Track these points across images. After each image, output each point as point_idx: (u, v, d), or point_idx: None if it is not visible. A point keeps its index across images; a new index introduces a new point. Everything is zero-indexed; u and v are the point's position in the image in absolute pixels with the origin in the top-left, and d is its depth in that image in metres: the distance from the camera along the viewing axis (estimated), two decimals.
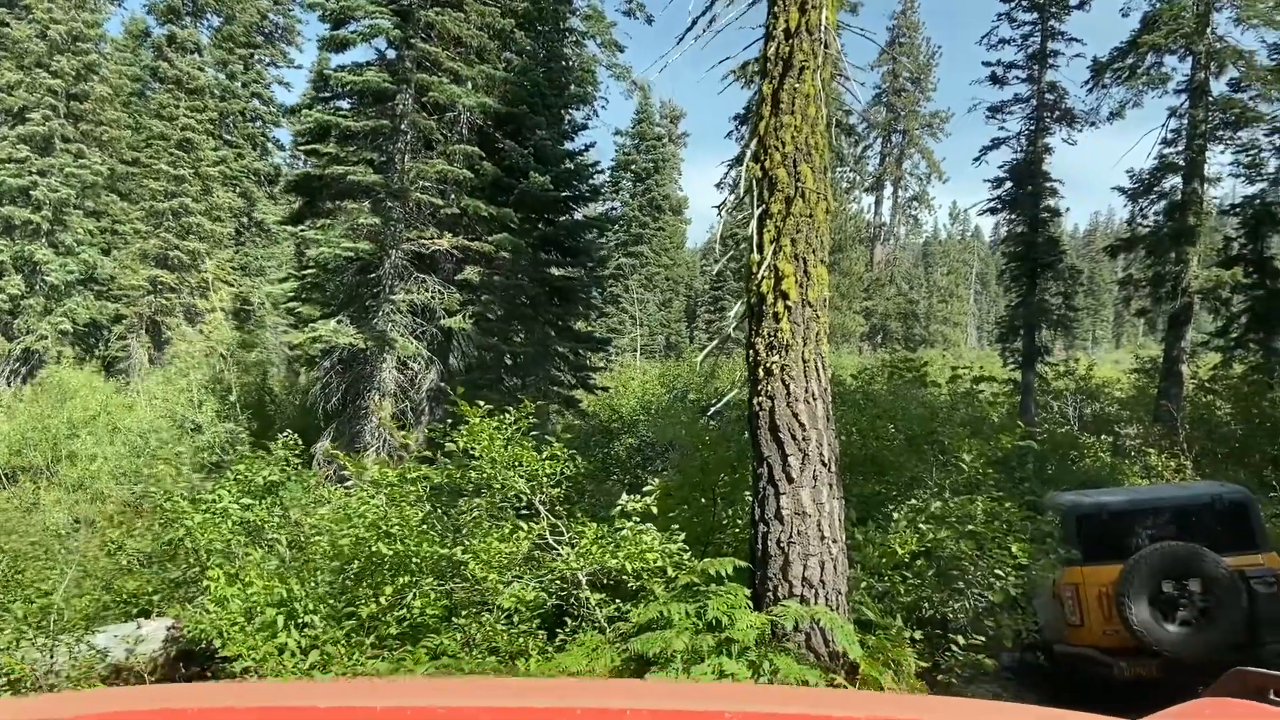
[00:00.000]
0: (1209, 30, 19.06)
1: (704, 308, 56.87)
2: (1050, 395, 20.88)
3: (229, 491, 7.78)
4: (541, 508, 7.47)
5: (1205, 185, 19.97)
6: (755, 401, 6.79)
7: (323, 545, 7.87)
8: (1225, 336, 20.74)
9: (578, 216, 18.08)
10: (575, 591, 7.20)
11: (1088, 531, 7.76)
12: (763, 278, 6.85)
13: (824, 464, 6.58)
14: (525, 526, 7.00)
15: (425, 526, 7.60)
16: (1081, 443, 16.79)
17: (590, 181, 18.06)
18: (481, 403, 7.67)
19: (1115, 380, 23.36)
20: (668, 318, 56.94)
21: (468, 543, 7.40)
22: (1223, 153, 20.03)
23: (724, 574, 6.19)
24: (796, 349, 6.70)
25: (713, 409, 8.19)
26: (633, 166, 57.84)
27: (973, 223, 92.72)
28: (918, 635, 6.74)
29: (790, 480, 6.51)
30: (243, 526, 8.22)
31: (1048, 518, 7.82)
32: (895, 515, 7.75)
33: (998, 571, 7.04)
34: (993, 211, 23.00)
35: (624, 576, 7.15)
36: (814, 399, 6.68)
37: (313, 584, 7.58)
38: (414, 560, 7.13)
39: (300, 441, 10.07)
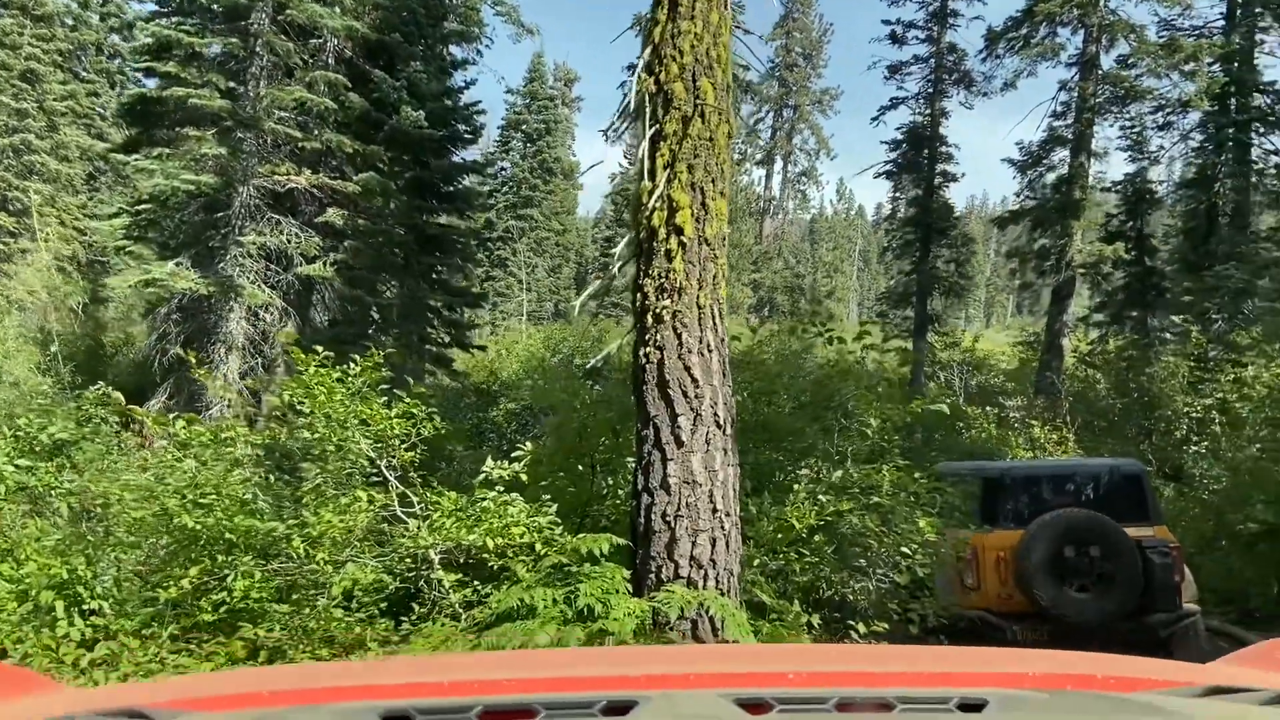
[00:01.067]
0: (1102, 3, 19.04)
1: (595, 275, 55.66)
2: (938, 366, 20.82)
3: (1, 451, 6.36)
4: (389, 474, 6.36)
5: (1091, 160, 20.09)
6: (642, 352, 5.85)
7: (126, 517, 6.58)
8: (1104, 311, 21.03)
9: (456, 159, 16.70)
10: (427, 572, 6.14)
11: (990, 497, 7.64)
12: (654, 209, 5.88)
13: (719, 426, 5.70)
14: (364, 496, 5.87)
15: (250, 496, 6.41)
16: (968, 414, 16.62)
17: (470, 122, 16.66)
18: (320, 349, 6.48)
19: (1000, 352, 23.52)
20: (557, 284, 55.72)
21: (304, 515, 6.27)
22: (1111, 126, 20.18)
23: (600, 553, 5.25)
24: (691, 292, 5.78)
25: (592, 363, 7.23)
26: (523, 126, 56.17)
27: (857, 201, 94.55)
28: (815, 620, 5.97)
29: (680, 444, 5.60)
30: (24, 493, 6.82)
31: (947, 487, 7.38)
32: (796, 486, 6.98)
33: (904, 549, 6.34)
34: (888, 175, 22.67)
35: (485, 555, 6.15)
36: (709, 350, 5.78)
37: (107, 563, 6.29)
38: (228, 536, 5.94)
39: (112, 395, 8.62)
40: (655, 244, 5.87)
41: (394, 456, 6.59)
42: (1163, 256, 20.72)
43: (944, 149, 21.96)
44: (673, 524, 5.53)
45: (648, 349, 5.81)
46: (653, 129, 5.95)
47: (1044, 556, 6.85)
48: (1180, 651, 6.93)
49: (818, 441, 8.36)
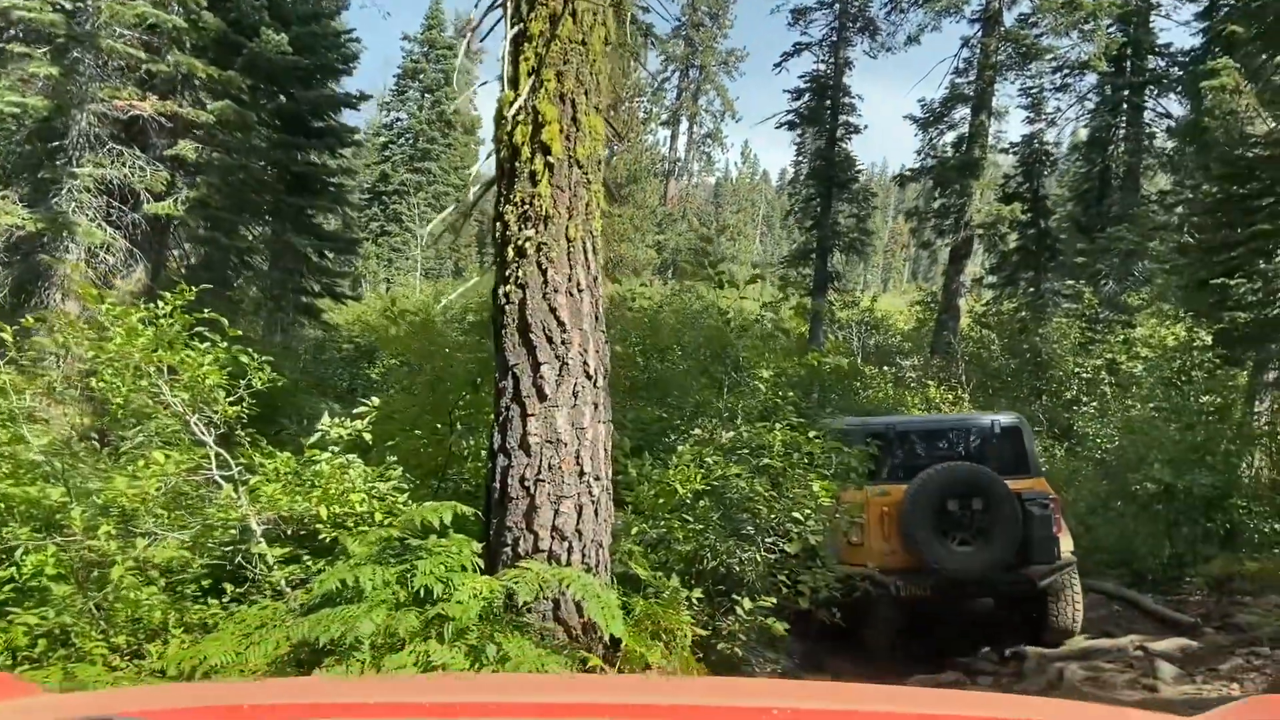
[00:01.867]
0: None
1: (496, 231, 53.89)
2: (837, 325, 20.58)
3: None
4: (202, 432, 5.40)
5: (992, 118, 19.99)
6: (502, 291, 5.04)
7: None
8: (999, 273, 21.10)
9: (327, 92, 15.25)
10: (246, 546, 5.24)
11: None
12: (516, 122, 5.04)
13: (589, 377, 4.95)
14: (161, 458, 4.93)
15: (40, 458, 5.40)
16: (866, 373, 16.38)
17: (343, 50, 15.27)
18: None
19: (898, 312, 23.49)
20: (457, 242, 53.80)
21: (106, 479, 5.31)
22: (1012, 83, 20.08)
23: (442, 523, 4.46)
24: (559, 222, 4.98)
25: (445, 301, 6.36)
26: (420, 76, 53.72)
27: (761, 166, 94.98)
28: (696, 595, 5.31)
29: (542, 397, 4.83)
30: None
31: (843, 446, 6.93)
32: (680, 447, 6.31)
33: (796, 515, 5.74)
34: (791, 125, 22.10)
35: (319, 526, 5.30)
36: (580, 290, 5.01)
37: None
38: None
39: None
40: (518, 165, 5.04)
41: (215, 412, 5.63)
42: (1058, 218, 20.88)
43: (847, 100, 21.49)
44: (532, 489, 4.77)
45: (508, 288, 5.00)
46: (515, 28, 5.08)
47: (928, 511, 6.83)
48: (1057, 601, 7.06)
49: (710, 399, 7.74)
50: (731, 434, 6.28)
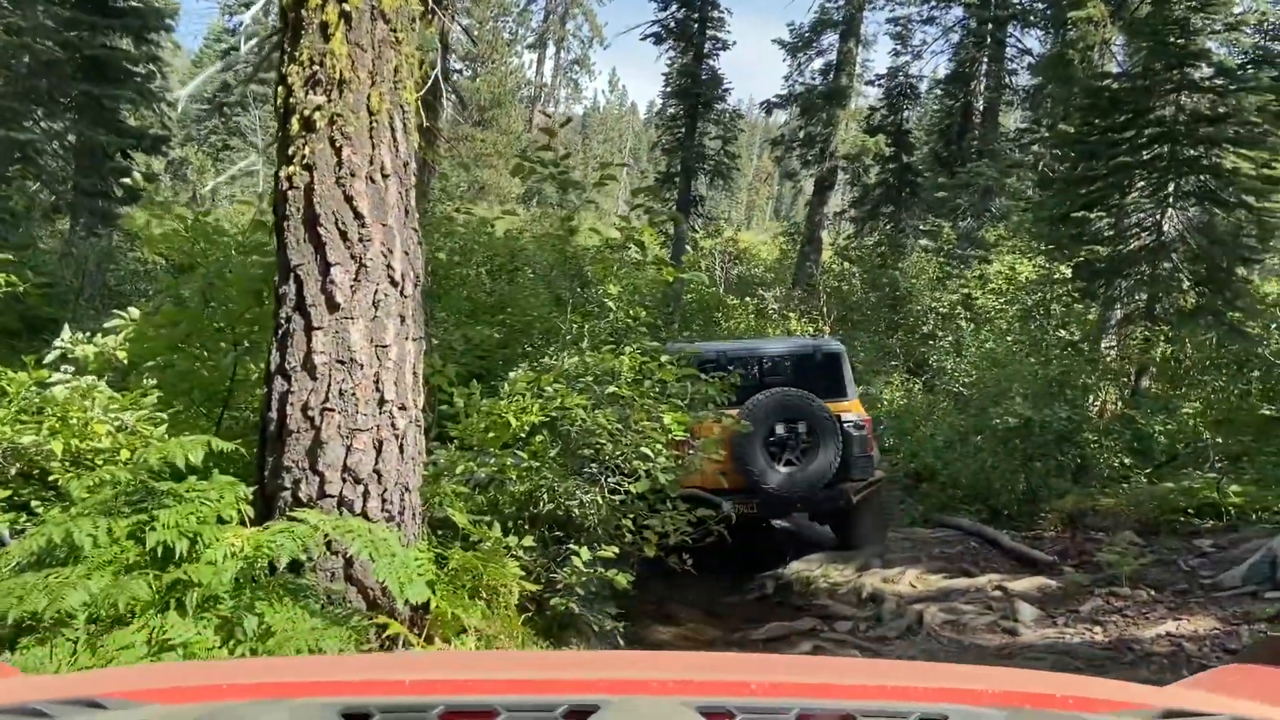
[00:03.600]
0: None
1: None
2: (700, 254, 20.04)
3: None
4: None
5: (860, 46, 19.60)
6: (284, 174, 4.03)
7: None
8: (861, 207, 20.99)
9: None
10: None
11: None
12: None
13: (394, 284, 4.04)
14: None
15: None
16: (728, 303, 15.93)
17: None
18: None
19: (761, 244, 23.22)
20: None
21: None
22: (882, 9, 19.71)
23: (190, 463, 3.50)
24: (359, 89, 4.00)
25: (212, 184, 5.28)
26: None
27: (630, 97, 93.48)
28: (529, 543, 4.55)
29: (333, 307, 3.89)
30: None
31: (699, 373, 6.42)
32: (513, 373, 5.50)
33: (645, 450, 5.04)
34: (658, 39, 21.04)
35: (52, 465, 4.26)
36: (385, 176, 4.06)
37: None
38: None
39: None
40: (304, 13, 4.00)
41: None
42: (920, 154, 20.88)
43: (716, 13, 20.53)
44: (318, 420, 3.86)
45: (292, 169, 4.00)
46: None
47: (757, 434, 7.13)
48: (870, 510, 7.67)
49: (556, 322, 6.94)
50: (575, 359, 5.50)
